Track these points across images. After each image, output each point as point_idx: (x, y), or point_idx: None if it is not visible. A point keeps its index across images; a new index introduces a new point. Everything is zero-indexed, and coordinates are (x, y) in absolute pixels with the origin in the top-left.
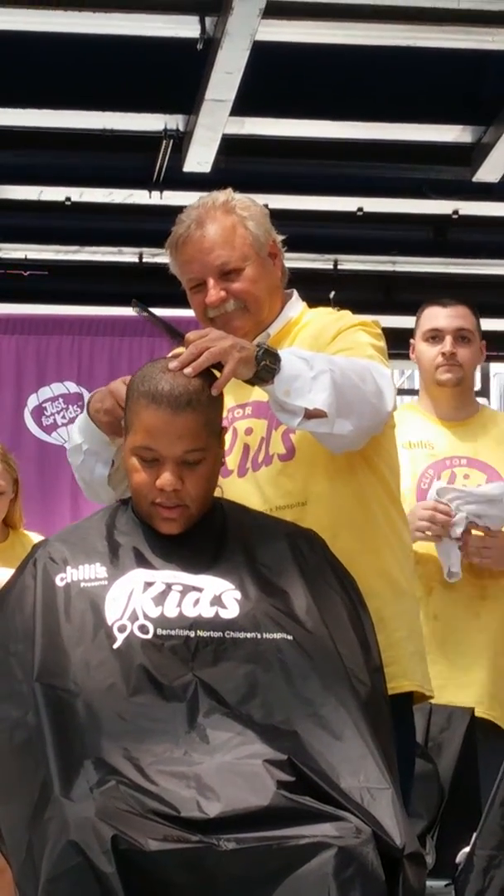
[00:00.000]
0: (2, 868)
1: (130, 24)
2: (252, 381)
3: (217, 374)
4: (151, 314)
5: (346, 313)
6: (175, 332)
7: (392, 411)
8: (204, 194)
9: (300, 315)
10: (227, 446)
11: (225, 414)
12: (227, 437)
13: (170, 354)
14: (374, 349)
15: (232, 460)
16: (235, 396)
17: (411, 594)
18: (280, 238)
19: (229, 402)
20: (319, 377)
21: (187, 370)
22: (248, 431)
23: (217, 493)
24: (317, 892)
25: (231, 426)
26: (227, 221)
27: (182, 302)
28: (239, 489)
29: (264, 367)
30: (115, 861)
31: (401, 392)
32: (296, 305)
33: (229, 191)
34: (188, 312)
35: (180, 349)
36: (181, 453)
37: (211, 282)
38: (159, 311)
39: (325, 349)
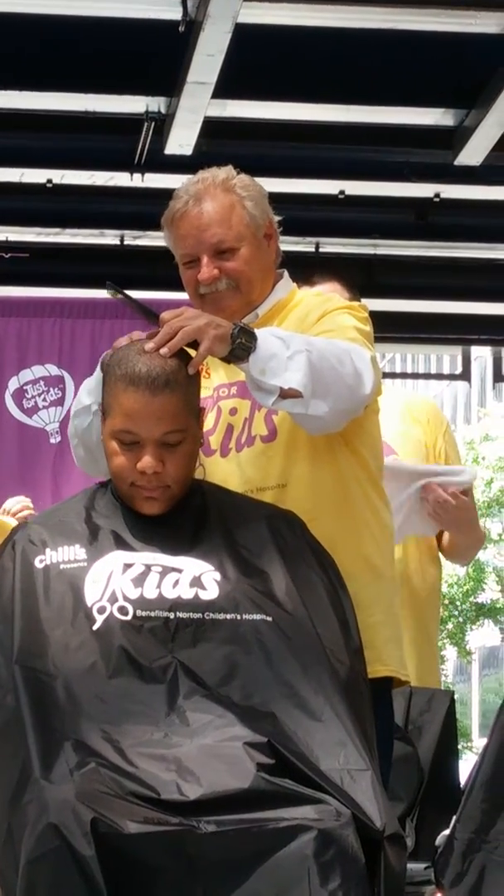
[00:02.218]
0: None
1: (112, 6)
2: (228, 360)
3: (193, 352)
4: (125, 296)
5: (335, 296)
6: (150, 313)
7: (373, 394)
8: (203, 171)
9: (289, 296)
10: (210, 425)
11: (211, 392)
12: (211, 416)
13: (145, 335)
14: (358, 332)
15: (215, 440)
16: (222, 376)
17: (390, 578)
18: (277, 219)
19: (217, 380)
20: (295, 357)
21: (163, 350)
22: (233, 411)
23: (199, 473)
24: (297, 874)
25: (216, 405)
26: (226, 200)
27: (164, 284)
28: (221, 469)
29: (239, 346)
30: (95, 844)
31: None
32: (285, 286)
33: (230, 168)
34: (170, 295)
35: (156, 329)
36: (161, 435)
37: (205, 259)
38: (140, 294)
39: (309, 331)
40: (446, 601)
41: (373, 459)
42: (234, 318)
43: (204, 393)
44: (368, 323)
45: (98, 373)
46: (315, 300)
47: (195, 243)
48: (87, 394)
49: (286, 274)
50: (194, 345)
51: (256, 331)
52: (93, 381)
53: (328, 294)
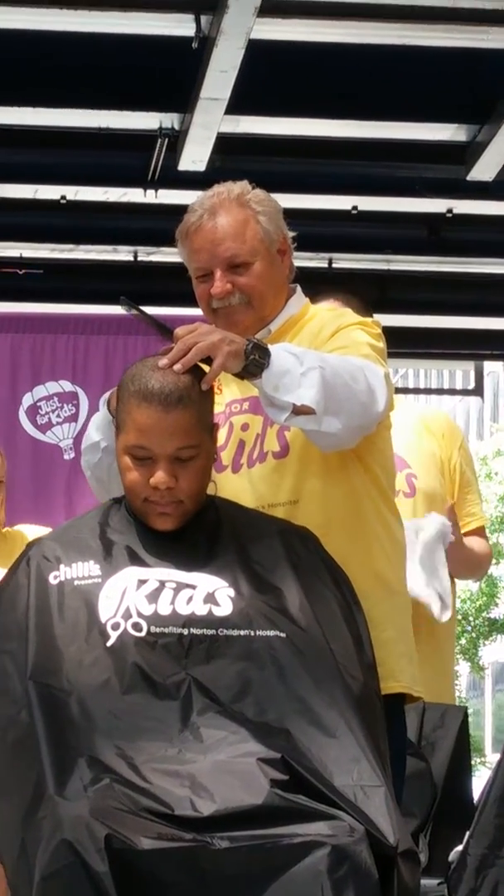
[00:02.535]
0: None
1: (125, 23)
2: (241, 376)
3: (206, 368)
4: (140, 311)
5: (348, 311)
6: (164, 329)
7: (385, 411)
8: (218, 185)
9: (302, 311)
10: (222, 440)
11: (223, 408)
12: (223, 432)
13: (160, 351)
14: (371, 349)
15: (226, 455)
16: (235, 391)
17: (402, 594)
18: (291, 235)
19: (228, 396)
20: (309, 373)
21: (177, 367)
22: (245, 427)
23: (210, 488)
24: (310, 890)
25: (228, 420)
26: (241, 215)
27: (178, 300)
28: (232, 485)
29: (253, 362)
30: (109, 860)
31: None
32: (298, 301)
33: (245, 183)
34: (184, 311)
35: (170, 345)
36: (174, 451)
37: (218, 273)
38: (154, 310)
39: (323, 346)
40: (459, 616)
41: (384, 475)
42: (247, 333)
43: (216, 408)
44: (382, 339)
45: (104, 409)
46: (328, 315)
47: (209, 257)
48: (95, 430)
49: (299, 289)
50: (208, 360)
51: (270, 347)
52: (100, 417)
53: (341, 309)
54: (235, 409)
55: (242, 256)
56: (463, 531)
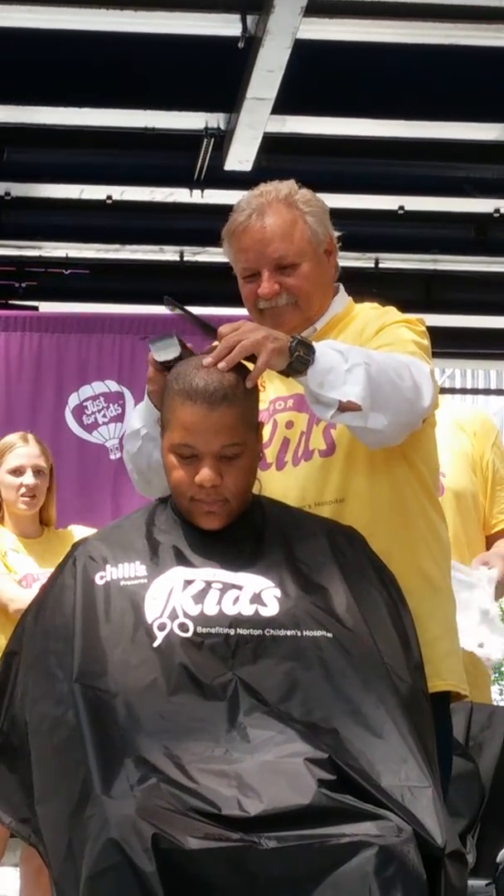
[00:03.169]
0: (39, 867)
1: (172, 23)
2: (286, 373)
3: (251, 366)
4: (184, 310)
5: (391, 309)
6: (208, 327)
7: (431, 408)
8: (265, 185)
9: (346, 309)
10: (266, 438)
11: (266, 405)
12: (267, 429)
13: (205, 350)
14: (417, 346)
15: (270, 453)
16: (278, 388)
17: (447, 592)
18: (337, 234)
19: (272, 393)
20: (354, 370)
21: (221, 364)
22: (289, 425)
23: (255, 487)
24: (358, 891)
25: (272, 418)
26: (289, 215)
27: (223, 300)
28: (277, 483)
29: (298, 359)
30: (156, 859)
31: (442, 391)
32: (342, 300)
33: (292, 182)
34: (229, 311)
35: (215, 344)
36: (219, 448)
37: (266, 273)
38: (199, 310)
39: (367, 344)
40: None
41: (429, 473)
42: (293, 333)
43: (260, 406)
44: (426, 337)
45: (146, 398)
46: (372, 313)
47: (257, 257)
48: (137, 418)
49: (342, 288)
50: (252, 358)
51: (314, 343)
52: (142, 406)
53: (385, 307)
54: (279, 407)
55: (290, 257)
56: (495, 529)
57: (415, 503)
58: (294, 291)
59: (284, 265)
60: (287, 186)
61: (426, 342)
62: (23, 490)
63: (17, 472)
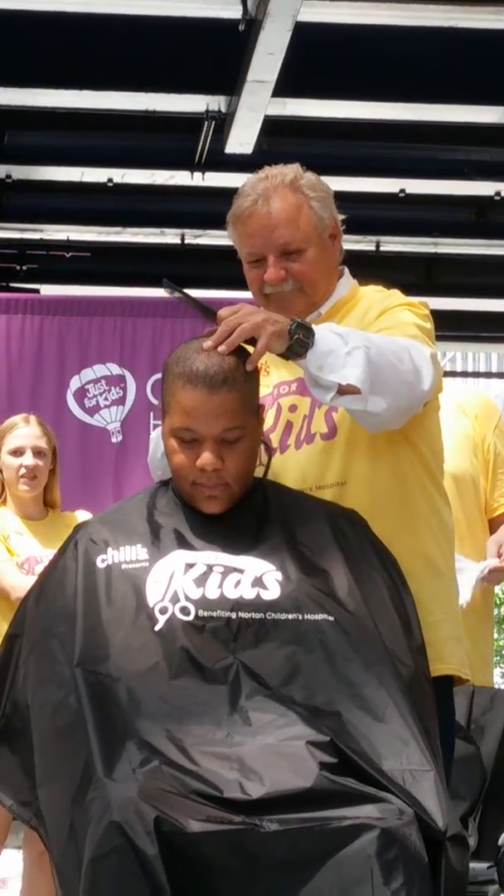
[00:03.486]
0: (42, 850)
1: (173, 6)
2: (286, 356)
3: (251, 349)
4: (183, 293)
5: (395, 292)
6: (207, 311)
7: (432, 391)
8: (270, 168)
9: (350, 293)
10: (270, 422)
11: (270, 389)
12: (271, 413)
13: (204, 333)
14: (419, 329)
15: (274, 437)
16: (282, 373)
17: (450, 576)
18: (341, 218)
19: (276, 377)
20: (353, 353)
21: (221, 348)
22: (292, 408)
23: (259, 471)
24: (360, 873)
25: (276, 402)
26: (294, 200)
27: (224, 283)
28: (279, 466)
29: (297, 342)
30: (158, 842)
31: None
32: (346, 283)
33: (297, 166)
34: (231, 294)
35: (214, 327)
36: (220, 432)
37: (271, 259)
38: (201, 293)
39: (369, 327)
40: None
41: (433, 457)
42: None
43: (263, 390)
44: (429, 320)
45: None
46: (376, 296)
47: (262, 243)
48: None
49: (346, 271)
50: (252, 341)
51: (314, 326)
52: None
53: (389, 290)
54: (283, 391)
55: (296, 243)
56: (497, 513)
57: (417, 486)
58: (299, 277)
59: (290, 251)
60: (292, 171)
61: (429, 325)
62: (22, 471)
63: (17, 452)
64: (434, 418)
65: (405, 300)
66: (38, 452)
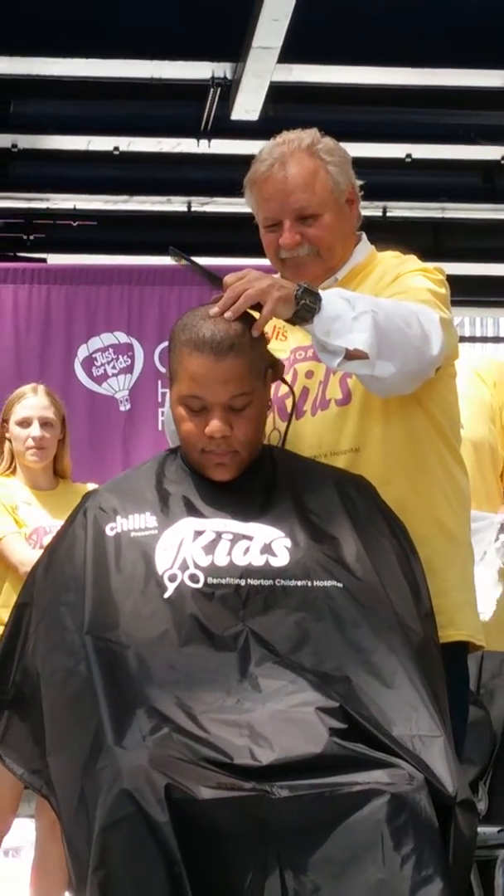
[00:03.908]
0: (55, 819)
1: None
2: (293, 321)
3: (257, 315)
4: (189, 260)
5: (411, 258)
6: (213, 277)
7: (441, 356)
8: (288, 133)
9: (368, 259)
10: (286, 388)
11: (287, 354)
12: (287, 378)
13: (211, 300)
14: (433, 294)
15: (290, 402)
16: (300, 338)
17: (465, 542)
18: (359, 183)
19: (293, 343)
20: (360, 318)
21: (227, 314)
22: (309, 374)
23: (275, 438)
24: (370, 838)
25: (292, 367)
26: (311, 165)
27: (231, 250)
28: (296, 432)
29: (303, 307)
30: (169, 810)
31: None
32: (364, 249)
33: (315, 131)
34: (237, 261)
35: (220, 294)
36: (228, 399)
37: (287, 223)
38: (208, 261)
39: (383, 293)
40: None
41: (448, 423)
42: (315, 283)
43: (281, 355)
44: (444, 286)
45: None
46: (392, 262)
47: (278, 207)
48: None
49: (364, 237)
50: (259, 307)
51: (321, 292)
52: None
53: (405, 256)
54: (300, 357)
55: (312, 208)
56: None
57: (432, 452)
58: (315, 242)
59: (306, 215)
60: (309, 135)
61: (443, 291)
62: (29, 442)
63: (25, 423)
64: (449, 385)
65: (420, 265)
66: (45, 423)
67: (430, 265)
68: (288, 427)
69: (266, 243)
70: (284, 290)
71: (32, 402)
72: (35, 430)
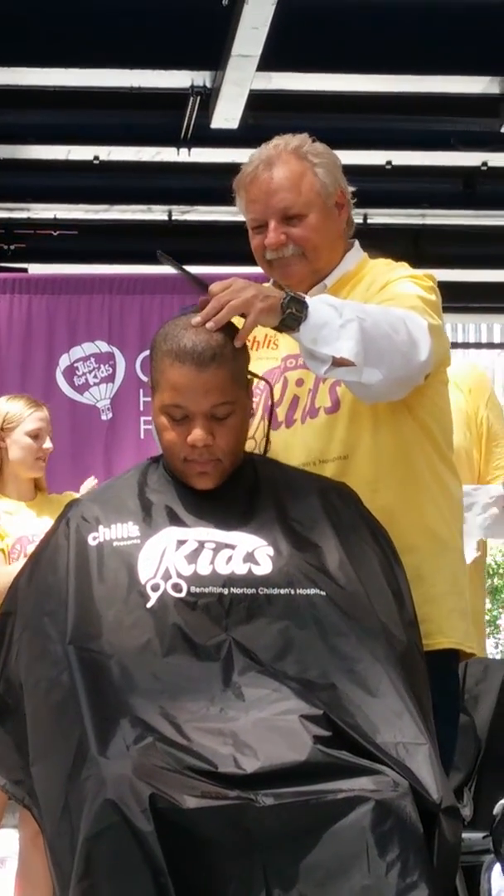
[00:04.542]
0: (36, 831)
1: None
2: (279, 329)
3: (241, 324)
4: (177, 265)
5: (402, 265)
6: (200, 283)
7: (430, 362)
8: (278, 137)
9: (359, 266)
10: (277, 396)
11: (279, 362)
12: (278, 387)
13: (198, 305)
14: (422, 301)
15: (281, 411)
16: (291, 346)
17: (455, 549)
18: (351, 189)
19: (284, 350)
20: (347, 325)
21: (209, 324)
22: (299, 382)
23: (258, 446)
24: (355, 846)
25: (283, 375)
26: (297, 166)
27: (213, 258)
28: (285, 440)
29: (290, 315)
30: (153, 819)
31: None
32: (355, 256)
33: (305, 136)
34: (219, 269)
35: (203, 299)
36: (209, 408)
37: (272, 224)
38: (189, 269)
39: (372, 299)
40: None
41: (439, 430)
42: (302, 285)
43: (272, 363)
44: (434, 292)
45: None
46: (382, 269)
47: (263, 208)
48: None
49: (357, 244)
50: (245, 316)
51: (308, 299)
52: None
53: (396, 263)
54: (291, 365)
55: (297, 208)
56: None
57: (422, 459)
58: (300, 242)
59: (291, 215)
60: (298, 139)
61: (433, 297)
62: (40, 454)
63: (35, 434)
64: (440, 391)
65: (410, 272)
66: (51, 437)
67: (421, 272)
68: (268, 434)
69: (254, 246)
70: (269, 301)
71: (40, 414)
72: (48, 443)
